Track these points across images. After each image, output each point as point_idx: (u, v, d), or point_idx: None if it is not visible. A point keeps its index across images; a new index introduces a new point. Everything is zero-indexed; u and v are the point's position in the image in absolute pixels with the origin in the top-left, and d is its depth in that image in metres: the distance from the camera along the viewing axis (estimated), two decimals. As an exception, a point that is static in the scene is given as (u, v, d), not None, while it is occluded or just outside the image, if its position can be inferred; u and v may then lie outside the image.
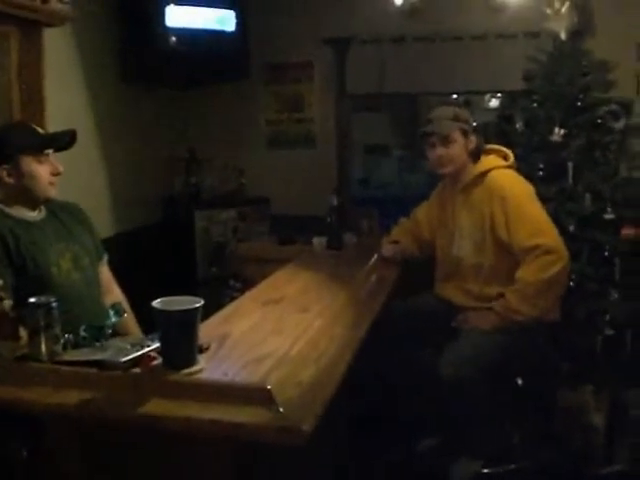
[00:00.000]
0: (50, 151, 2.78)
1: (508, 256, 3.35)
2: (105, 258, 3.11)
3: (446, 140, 3.50)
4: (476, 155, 3.52)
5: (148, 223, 5.40)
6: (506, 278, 3.35)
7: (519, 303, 3.26)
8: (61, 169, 2.79)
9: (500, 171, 3.47)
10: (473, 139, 3.51)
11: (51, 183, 2.77)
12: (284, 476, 1.99)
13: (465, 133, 3.50)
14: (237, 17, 5.22)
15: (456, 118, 3.52)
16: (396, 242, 4.01)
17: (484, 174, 3.46)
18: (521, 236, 3.27)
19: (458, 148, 3.50)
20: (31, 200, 2.77)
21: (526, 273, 3.25)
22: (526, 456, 3.48)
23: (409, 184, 7.37)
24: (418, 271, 3.90)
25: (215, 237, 5.43)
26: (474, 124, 3.57)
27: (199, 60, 5.05)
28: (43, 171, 2.74)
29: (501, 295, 3.34)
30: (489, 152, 3.59)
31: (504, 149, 3.61)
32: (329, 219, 4.26)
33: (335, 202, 4.29)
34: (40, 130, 2.86)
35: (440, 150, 3.51)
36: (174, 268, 5.15)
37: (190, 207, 5.47)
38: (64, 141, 2.83)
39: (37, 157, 2.72)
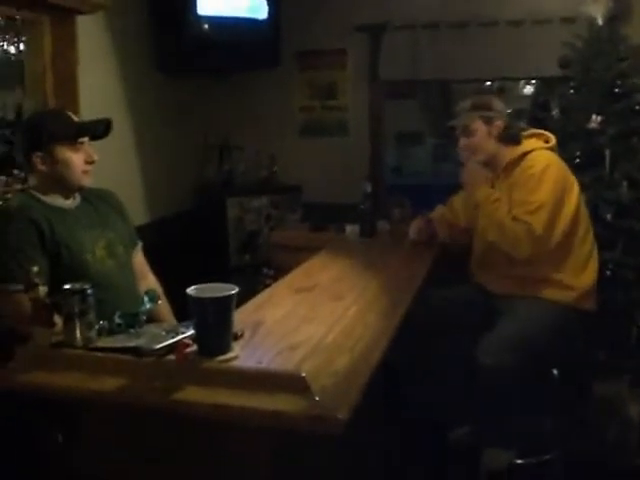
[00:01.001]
0: (85, 139, 2.78)
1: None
2: (139, 245, 3.12)
3: (467, 131, 3.51)
4: (509, 139, 3.49)
5: (181, 211, 5.42)
6: (543, 261, 3.34)
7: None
8: (95, 157, 2.80)
9: (540, 152, 3.44)
10: (499, 124, 3.49)
11: (85, 171, 2.77)
12: (321, 464, 1.98)
13: (487, 120, 3.49)
14: (269, 5, 5.22)
15: (474, 108, 3.52)
16: (429, 221, 4.01)
17: (524, 156, 3.43)
18: (520, 209, 3.28)
19: (480, 136, 3.49)
20: (65, 188, 2.77)
21: (505, 217, 3.31)
22: (560, 447, 3.45)
23: (442, 172, 7.33)
24: (453, 260, 3.87)
25: (248, 225, 5.44)
26: (507, 110, 3.55)
27: (231, 48, 5.04)
28: (77, 159, 2.74)
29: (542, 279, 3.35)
30: (530, 136, 3.56)
31: (546, 132, 3.57)
32: (362, 207, 4.25)
33: (369, 189, 4.27)
34: (75, 118, 2.86)
35: (463, 141, 3.55)
36: (207, 255, 5.16)
37: (223, 195, 5.47)
38: (99, 130, 2.83)
39: (72, 145, 2.73)
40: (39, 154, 2.69)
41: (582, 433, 3.58)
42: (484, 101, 3.56)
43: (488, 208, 3.41)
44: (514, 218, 3.27)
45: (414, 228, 4.06)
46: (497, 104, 3.55)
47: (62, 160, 2.71)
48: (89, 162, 2.77)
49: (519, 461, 3.31)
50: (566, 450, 3.42)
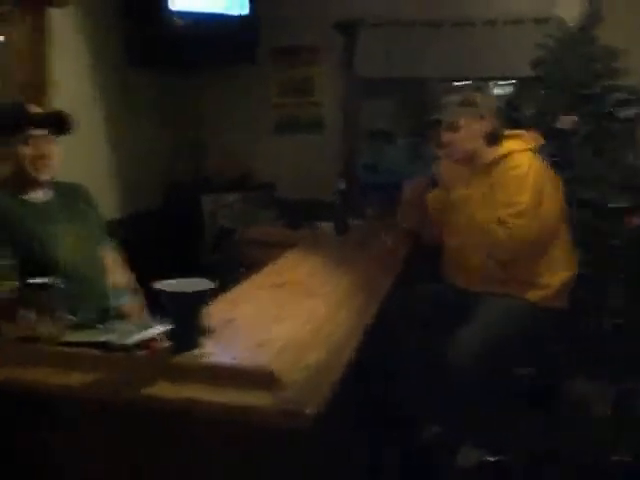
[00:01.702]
0: (36, 133, 2.71)
1: None
2: (110, 240, 3.09)
3: (453, 126, 3.48)
4: (494, 138, 3.48)
5: (154, 206, 5.38)
6: (518, 259, 3.36)
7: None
8: (45, 152, 2.72)
9: (521, 154, 3.43)
10: (487, 123, 3.47)
11: (36, 164, 2.71)
12: (292, 460, 1.98)
13: (476, 117, 3.47)
14: (244, 1, 5.19)
15: (464, 103, 3.50)
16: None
17: (505, 156, 3.42)
18: (503, 211, 3.27)
19: (466, 133, 3.47)
20: (26, 181, 2.74)
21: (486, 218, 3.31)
22: (532, 445, 3.47)
23: (416, 170, 7.33)
24: (425, 257, 3.88)
25: (221, 221, 5.42)
26: (495, 107, 3.57)
27: (205, 43, 5.00)
28: (27, 152, 2.69)
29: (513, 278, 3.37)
30: (512, 136, 3.55)
31: (526, 133, 3.56)
32: (336, 203, 4.24)
33: (343, 186, 4.27)
34: (34, 110, 2.80)
35: (448, 135, 3.51)
36: (180, 252, 5.13)
37: (196, 191, 5.45)
38: (46, 122, 2.75)
39: (23, 139, 2.69)
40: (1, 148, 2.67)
41: (554, 431, 3.60)
42: (473, 98, 3.53)
43: (464, 207, 3.42)
44: (499, 220, 3.27)
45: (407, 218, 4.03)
46: (486, 101, 3.55)
47: (16, 154, 2.68)
48: (37, 157, 2.71)
49: (490, 459, 3.32)
50: (538, 447, 3.44)
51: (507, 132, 3.56)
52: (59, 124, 2.78)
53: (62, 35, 4.17)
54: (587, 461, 3.42)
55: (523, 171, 3.32)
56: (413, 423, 3.61)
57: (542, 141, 3.54)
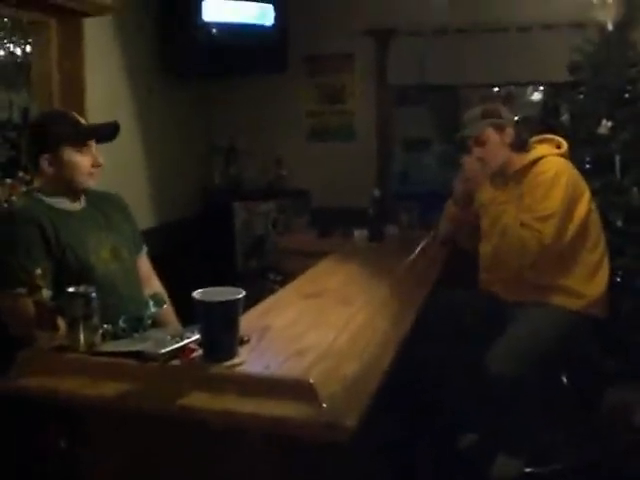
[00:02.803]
0: (92, 142, 2.76)
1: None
2: (144, 249, 3.09)
3: (479, 140, 3.47)
4: (520, 146, 3.46)
5: (187, 215, 5.40)
6: (554, 267, 3.32)
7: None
8: (102, 161, 2.77)
9: (552, 158, 3.41)
10: (510, 131, 3.45)
11: (90, 174, 2.74)
12: (329, 472, 1.95)
13: (498, 127, 3.45)
14: (275, 10, 5.23)
15: (485, 115, 3.48)
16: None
17: (535, 162, 3.40)
18: (529, 215, 3.25)
19: (493, 145, 3.46)
20: (70, 190, 2.74)
21: (514, 222, 3.27)
22: (570, 456, 3.41)
23: (449, 179, 7.29)
24: (461, 266, 3.84)
25: (255, 229, 5.41)
26: (515, 117, 3.53)
27: (238, 52, 5.05)
28: (84, 162, 2.71)
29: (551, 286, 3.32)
30: (542, 141, 3.54)
31: (557, 138, 3.54)
32: (371, 211, 4.23)
33: (377, 194, 4.25)
34: (82, 120, 2.84)
35: (477, 152, 3.49)
36: (214, 260, 5.14)
37: (230, 199, 5.45)
38: (106, 133, 2.81)
39: (78, 148, 2.70)
40: (46, 156, 2.67)
41: (592, 442, 3.54)
42: (493, 108, 3.53)
43: (494, 210, 3.39)
44: (522, 224, 3.24)
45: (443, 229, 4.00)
46: (505, 111, 3.53)
47: (69, 162, 2.68)
48: (95, 165, 2.75)
49: (528, 470, 3.27)
50: (576, 459, 3.39)
51: (537, 137, 3.55)
52: (113, 134, 2.81)
53: (98, 44, 4.20)
54: (628, 473, 3.37)
55: (550, 175, 3.29)
56: (451, 431, 3.57)
57: (566, 146, 3.50)
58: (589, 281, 3.36)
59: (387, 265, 3.62)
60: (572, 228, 3.28)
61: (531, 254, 3.24)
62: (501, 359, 3.09)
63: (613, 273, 3.53)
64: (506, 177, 3.48)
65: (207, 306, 1.97)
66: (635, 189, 4.08)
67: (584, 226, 3.33)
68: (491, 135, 3.45)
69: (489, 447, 3.37)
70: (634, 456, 3.48)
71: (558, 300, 3.32)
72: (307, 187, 5.63)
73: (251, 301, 2.61)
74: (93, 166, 2.74)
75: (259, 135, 5.71)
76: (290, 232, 5.23)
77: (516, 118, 3.62)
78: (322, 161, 5.64)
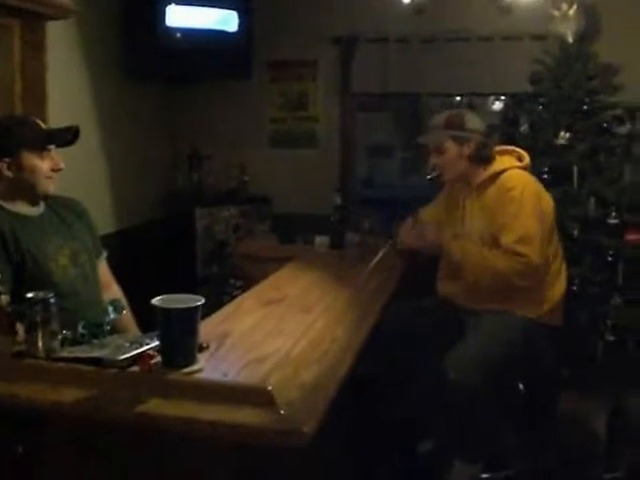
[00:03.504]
0: (52, 147, 2.74)
1: None
2: (104, 255, 3.07)
3: (438, 148, 3.48)
4: (482, 159, 3.45)
5: (149, 220, 5.38)
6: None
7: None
8: (62, 165, 2.75)
9: (514, 171, 3.42)
10: (471, 145, 3.43)
11: (49, 178, 2.72)
12: (285, 478, 1.96)
13: (458, 140, 3.43)
14: (240, 16, 5.25)
15: (447, 125, 3.46)
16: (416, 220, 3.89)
17: (498, 174, 3.41)
18: (509, 238, 3.23)
19: (451, 156, 3.45)
20: (30, 195, 2.73)
21: (498, 258, 3.25)
22: (526, 461, 3.45)
23: (412, 185, 7.34)
24: (420, 272, 3.86)
25: (216, 235, 5.41)
26: (482, 126, 3.52)
27: (201, 57, 5.07)
28: (44, 166, 2.70)
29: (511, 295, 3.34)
30: (503, 153, 3.53)
31: (519, 150, 3.55)
32: (332, 218, 4.23)
33: (339, 201, 4.25)
34: (42, 125, 2.82)
35: (434, 158, 3.51)
36: (175, 266, 5.12)
37: (192, 204, 5.44)
38: (66, 137, 2.79)
39: (38, 152, 2.69)
40: (6, 160, 2.65)
41: (547, 448, 3.58)
42: (457, 120, 3.47)
43: (473, 258, 3.36)
44: (505, 250, 3.23)
45: (405, 230, 3.86)
46: (471, 122, 3.48)
47: (28, 167, 2.67)
48: (55, 170, 2.73)
49: (484, 475, 3.30)
50: (532, 465, 3.43)
51: (498, 148, 3.55)
52: (73, 138, 2.79)
53: (61, 47, 4.18)
54: (582, 477, 3.41)
55: (519, 192, 3.29)
56: (410, 439, 3.59)
57: (527, 159, 3.52)
58: (548, 290, 3.39)
59: (347, 272, 3.64)
60: (545, 242, 3.30)
61: (524, 278, 3.24)
62: (458, 366, 3.10)
63: (569, 282, 3.58)
64: (469, 188, 3.50)
65: (166, 313, 1.98)
66: (592, 199, 4.15)
67: (549, 237, 3.36)
68: (450, 146, 3.44)
69: (446, 453, 3.40)
70: (588, 463, 3.53)
71: (517, 308, 3.33)
72: (269, 193, 5.64)
73: (212, 307, 2.63)
74: (53, 170, 2.72)
75: (222, 141, 5.71)
76: (251, 238, 5.23)
77: (484, 126, 3.59)
78: (285, 167, 5.66)
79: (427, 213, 3.88)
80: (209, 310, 2.50)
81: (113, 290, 3.06)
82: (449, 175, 3.53)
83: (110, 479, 2.05)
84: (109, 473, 2.05)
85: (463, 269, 3.39)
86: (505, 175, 3.40)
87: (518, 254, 3.19)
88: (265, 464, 1.97)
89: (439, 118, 3.52)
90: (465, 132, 3.44)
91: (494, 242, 3.34)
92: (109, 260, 3.12)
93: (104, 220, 4.59)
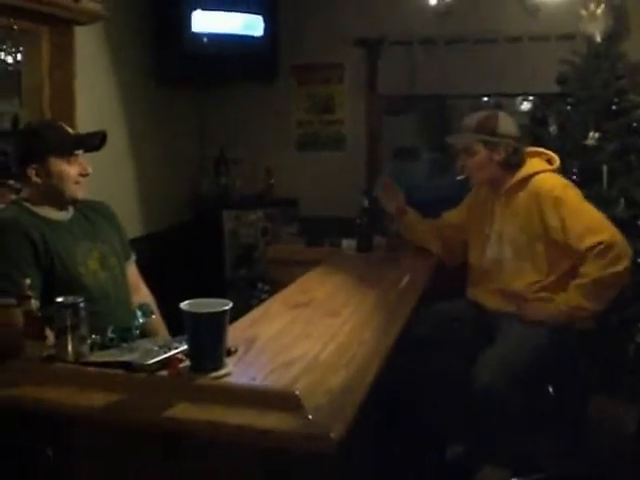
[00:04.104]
0: (80, 152, 2.76)
1: (559, 258, 3.31)
2: (133, 258, 3.09)
3: (468, 150, 3.46)
4: (512, 164, 3.41)
5: (177, 224, 5.40)
6: (552, 281, 3.33)
7: (583, 298, 3.20)
8: (90, 170, 2.77)
9: (545, 175, 3.39)
10: (502, 150, 3.39)
11: (78, 183, 2.74)
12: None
13: (489, 145, 3.40)
14: (265, 21, 5.28)
15: (478, 129, 3.42)
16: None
17: (528, 178, 3.38)
18: (582, 235, 3.19)
19: (481, 160, 3.43)
20: (58, 200, 2.75)
21: (591, 269, 3.17)
22: (555, 466, 3.42)
23: (439, 187, 7.30)
24: (449, 276, 3.84)
25: (244, 238, 5.42)
26: (515, 131, 3.47)
27: (227, 61, 5.12)
28: (72, 172, 2.71)
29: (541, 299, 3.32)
30: (532, 155, 3.50)
31: (548, 152, 3.52)
32: (359, 221, 4.21)
33: (366, 203, 4.23)
34: (70, 130, 2.84)
35: (462, 159, 3.50)
36: (203, 269, 5.15)
37: (219, 208, 5.46)
38: (94, 143, 2.81)
39: (66, 158, 2.70)
40: (34, 166, 2.67)
41: (578, 451, 3.55)
42: (490, 124, 3.42)
43: (504, 237, 3.38)
44: (587, 253, 3.17)
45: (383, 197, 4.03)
46: (504, 126, 3.42)
47: (56, 172, 2.69)
48: (83, 175, 2.75)
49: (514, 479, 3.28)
50: (562, 469, 3.40)
51: (528, 150, 3.52)
52: (101, 144, 2.81)
53: (89, 52, 4.22)
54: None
55: (561, 191, 3.29)
56: (440, 442, 3.57)
57: (558, 162, 3.48)
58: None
59: (374, 275, 3.62)
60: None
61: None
62: (489, 371, 3.08)
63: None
64: (498, 192, 3.48)
65: (195, 317, 1.98)
66: (622, 200, 4.10)
67: None
68: (480, 150, 3.41)
69: (476, 457, 3.38)
70: (619, 466, 3.50)
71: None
72: (296, 196, 5.65)
73: (240, 311, 2.63)
74: (81, 175, 2.74)
75: (249, 144, 5.73)
76: (279, 241, 5.24)
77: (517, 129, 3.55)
78: (311, 170, 5.67)
79: (451, 217, 3.86)
80: (237, 314, 2.50)
81: (142, 293, 3.08)
82: (478, 178, 3.50)
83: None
84: (137, 478, 2.06)
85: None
86: (537, 178, 3.37)
87: (598, 244, 3.15)
88: (293, 470, 1.96)
89: (471, 120, 3.48)
90: (496, 137, 3.40)
91: (532, 245, 3.34)
92: (138, 263, 3.13)
93: (133, 224, 4.62)
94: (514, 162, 3.42)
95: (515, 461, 3.29)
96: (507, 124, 3.45)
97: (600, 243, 3.15)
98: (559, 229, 3.25)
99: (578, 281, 3.22)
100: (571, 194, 3.31)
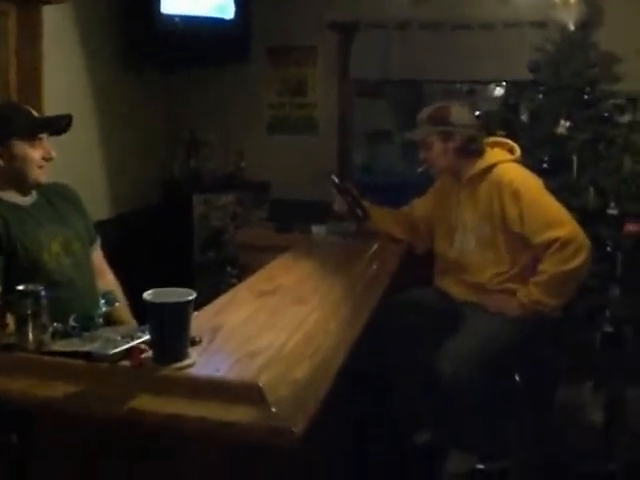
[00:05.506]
0: (44, 135, 2.71)
1: (520, 250, 3.33)
2: (98, 242, 3.05)
3: (424, 143, 3.48)
4: (470, 152, 3.42)
5: (146, 206, 5.36)
6: (515, 272, 3.35)
7: (543, 295, 3.22)
8: (54, 154, 2.72)
9: (507, 165, 3.40)
10: (457, 139, 3.40)
11: (41, 167, 2.69)
12: (277, 476, 1.94)
13: (443, 135, 3.41)
14: (236, 4, 5.22)
15: (431, 120, 3.44)
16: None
17: (489, 168, 3.38)
18: (539, 230, 3.21)
19: (437, 151, 3.44)
20: (22, 184, 2.70)
21: (548, 265, 3.19)
22: (522, 452, 3.44)
23: (411, 171, 7.31)
24: (418, 264, 3.84)
25: (213, 221, 5.39)
26: (473, 118, 3.49)
27: (198, 43, 5.06)
28: (35, 155, 2.67)
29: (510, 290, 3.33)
30: (493, 145, 3.51)
31: (509, 142, 3.53)
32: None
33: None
34: (35, 113, 2.78)
35: (422, 153, 3.52)
36: (171, 253, 5.11)
37: (189, 191, 5.42)
38: (59, 126, 2.76)
39: (30, 141, 2.66)
40: None
41: (545, 439, 3.58)
42: (441, 114, 3.44)
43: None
44: (544, 247, 3.20)
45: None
46: (457, 115, 3.43)
47: (19, 156, 2.64)
48: (47, 159, 2.70)
49: (481, 466, 3.29)
50: (529, 455, 3.42)
51: (489, 140, 3.55)
52: (66, 127, 2.76)
53: (57, 33, 4.15)
54: (579, 469, 3.41)
55: (520, 183, 3.30)
56: (406, 429, 3.58)
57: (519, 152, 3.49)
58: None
59: (343, 262, 3.60)
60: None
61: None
62: (454, 358, 3.09)
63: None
64: (460, 181, 3.48)
65: (157, 307, 1.95)
66: (591, 189, 4.12)
67: None
68: (435, 142, 3.42)
69: (443, 443, 3.39)
70: (585, 453, 3.53)
71: (514, 299, 3.32)
72: (267, 179, 5.63)
73: (208, 294, 2.61)
74: (44, 159, 2.70)
75: (220, 127, 5.69)
76: (248, 225, 5.21)
77: (478, 113, 3.56)
78: (283, 154, 5.65)
79: (419, 206, 3.86)
80: (205, 297, 2.48)
81: (107, 279, 3.04)
82: (437, 168, 3.52)
83: (98, 473, 2.04)
84: (97, 467, 2.04)
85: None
86: (499, 168, 3.38)
87: (555, 241, 3.17)
88: (255, 463, 1.95)
89: (424, 113, 3.50)
90: (449, 127, 3.41)
91: (494, 236, 3.35)
92: (105, 246, 3.09)
93: (101, 206, 4.58)
94: (472, 150, 3.42)
95: (482, 447, 3.32)
96: (460, 113, 3.47)
97: (557, 239, 3.16)
98: (517, 222, 3.26)
99: (537, 278, 3.24)
100: (531, 186, 3.32)
